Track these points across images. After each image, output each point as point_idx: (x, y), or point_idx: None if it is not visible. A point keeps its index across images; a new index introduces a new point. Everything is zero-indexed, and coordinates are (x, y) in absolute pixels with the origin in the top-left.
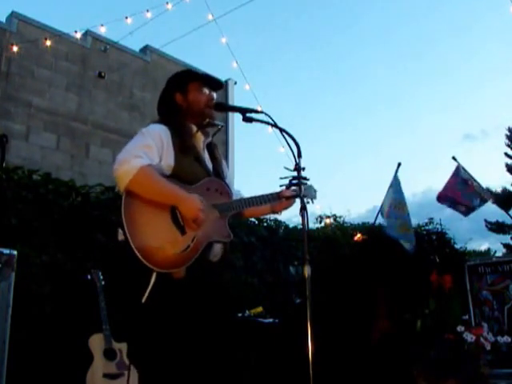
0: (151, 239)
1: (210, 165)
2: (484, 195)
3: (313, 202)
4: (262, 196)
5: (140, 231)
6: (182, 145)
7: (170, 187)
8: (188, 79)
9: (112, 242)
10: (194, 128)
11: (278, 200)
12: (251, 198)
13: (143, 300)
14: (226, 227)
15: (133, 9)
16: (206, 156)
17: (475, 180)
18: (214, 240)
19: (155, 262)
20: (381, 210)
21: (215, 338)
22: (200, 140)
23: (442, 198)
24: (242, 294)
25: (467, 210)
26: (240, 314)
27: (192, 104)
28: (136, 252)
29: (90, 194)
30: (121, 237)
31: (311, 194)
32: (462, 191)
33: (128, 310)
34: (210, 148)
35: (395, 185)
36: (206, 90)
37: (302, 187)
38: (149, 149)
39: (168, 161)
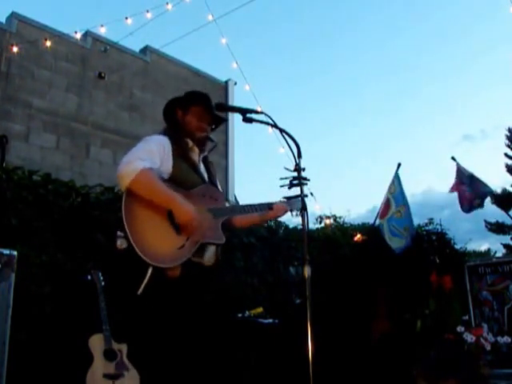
0: (149, 235)
1: (205, 175)
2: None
3: (297, 215)
4: (254, 205)
5: (139, 228)
6: (180, 152)
7: (167, 191)
8: (192, 102)
9: (112, 247)
10: (190, 142)
11: (269, 211)
12: (244, 206)
13: (139, 292)
14: (219, 230)
15: (133, 9)
16: (202, 168)
17: (477, 178)
18: (207, 241)
19: (152, 257)
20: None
21: (202, 338)
22: (196, 153)
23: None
24: (242, 294)
25: (470, 207)
26: (240, 315)
27: (185, 124)
28: (134, 246)
29: (90, 195)
30: (121, 245)
31: (298, 206)
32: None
33: (124, 305)
34: (206, 163)
35: (397, 185)
36: (205, 120)
37: (293, 200)
38: (151, 153)
39: (167, 166)
